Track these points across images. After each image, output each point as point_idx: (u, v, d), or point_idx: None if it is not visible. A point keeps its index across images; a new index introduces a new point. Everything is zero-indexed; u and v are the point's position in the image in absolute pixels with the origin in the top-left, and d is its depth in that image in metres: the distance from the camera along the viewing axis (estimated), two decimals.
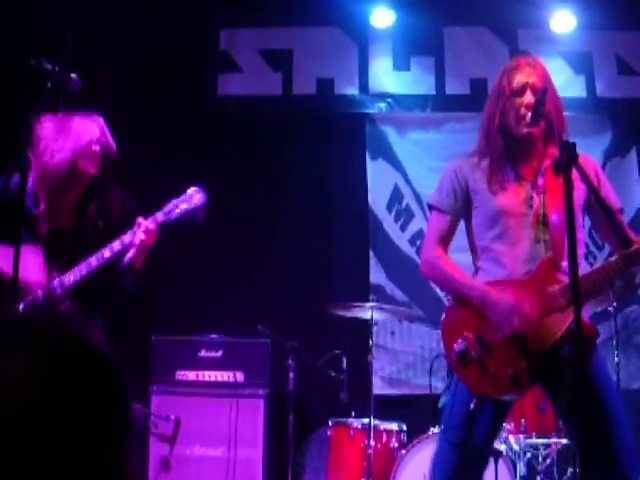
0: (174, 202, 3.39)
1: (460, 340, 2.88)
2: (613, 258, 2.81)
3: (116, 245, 3.35)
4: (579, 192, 2.88)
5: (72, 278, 3.39)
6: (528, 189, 2.97)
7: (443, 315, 3.04)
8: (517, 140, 3.00)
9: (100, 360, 1.14)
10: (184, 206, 3.36)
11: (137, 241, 3.31)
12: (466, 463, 2.87)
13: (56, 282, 3.39)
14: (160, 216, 3.36)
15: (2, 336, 1.10)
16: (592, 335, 2.80)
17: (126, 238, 3.34)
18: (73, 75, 3.14)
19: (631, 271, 2.87)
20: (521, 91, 2.98)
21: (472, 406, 2.83)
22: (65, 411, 1.05)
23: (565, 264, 2.82)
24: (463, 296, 2.96)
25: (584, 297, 2.72)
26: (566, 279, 2.80)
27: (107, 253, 3.35)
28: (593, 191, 2.62)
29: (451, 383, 3.04)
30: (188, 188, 3.38)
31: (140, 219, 3.34)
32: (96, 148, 3.50)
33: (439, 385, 5.25)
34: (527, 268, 2.90)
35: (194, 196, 3.38)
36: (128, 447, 1.16)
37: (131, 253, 3.35)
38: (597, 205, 2.92)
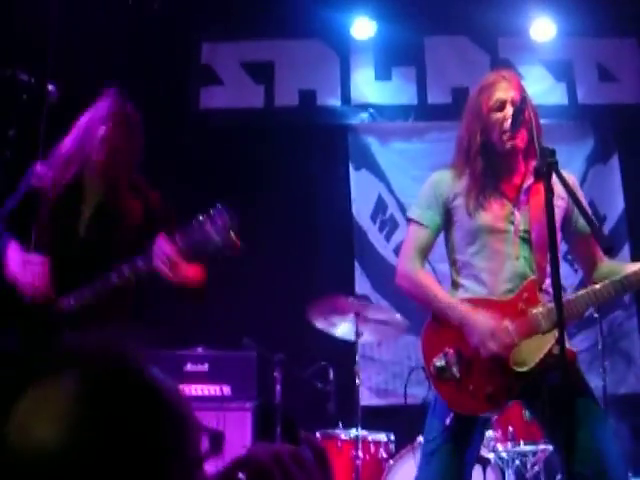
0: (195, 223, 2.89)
1: (441, 355, 2.87)
2: (598, 285, 2.78)
3: (126, 270, 3.00)
4: (559, 211, 2.86)
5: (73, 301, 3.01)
6: (510, 206, 2.94)
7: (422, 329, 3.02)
8: (500, 156, 2.97)
9: (150, 391, 0.98)
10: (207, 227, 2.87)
11: (158, 269, 2.96)
12: (445, 477, 2.82)
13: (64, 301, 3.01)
14: (180, 240, 2.93)
15: (48, 360, 0.99)
16: (572, 358, 2.78)
17: (139, 263, 2.99)
18: (50, 86, 3.03)
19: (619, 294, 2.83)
20: (500, 107, 2.96)
21: (448, 421, 2.82)
22: (107, 446, 0.93)
23: (548, 282, 2.82)
24: (442, 315, 2.93)
25: (566, 320, 2.70)
26: (548, 300, 2.80)
27: (114, 278, 3.00)
28: (572, 195, 2.59)
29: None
30: (193, 213, 2.90)
31: (160, 242, 2.94)
32: (101, 128, 3.15)
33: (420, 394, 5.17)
34: (508, 286, 2.88)
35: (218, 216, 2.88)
36: None
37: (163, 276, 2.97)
38: (574, 219, 2.93)
